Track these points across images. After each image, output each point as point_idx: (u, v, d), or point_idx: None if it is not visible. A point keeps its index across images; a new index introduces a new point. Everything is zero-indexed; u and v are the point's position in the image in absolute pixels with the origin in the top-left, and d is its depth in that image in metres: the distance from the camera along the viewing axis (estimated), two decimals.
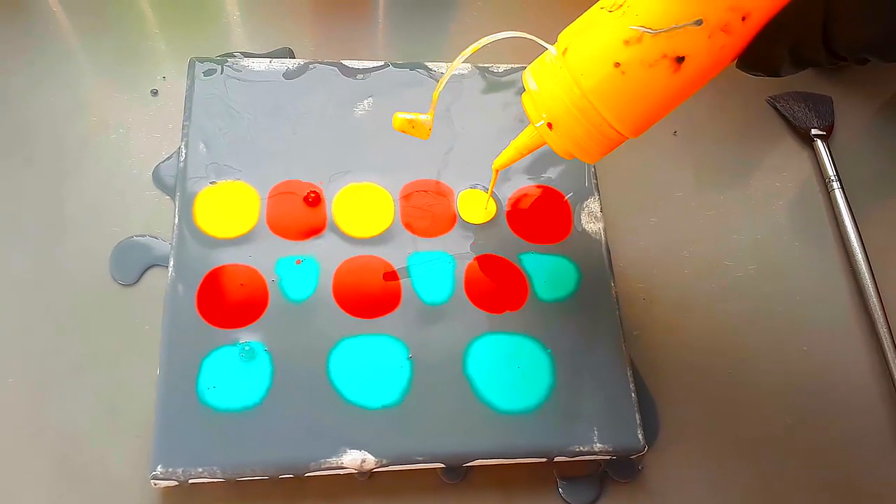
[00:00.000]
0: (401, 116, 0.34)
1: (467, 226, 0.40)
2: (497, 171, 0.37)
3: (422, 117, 0.34)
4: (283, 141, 0.41)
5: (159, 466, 0.32)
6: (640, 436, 0.35)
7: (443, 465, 0.35)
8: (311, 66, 0.43)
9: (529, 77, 0.31)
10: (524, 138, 0.34)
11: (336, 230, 0.38)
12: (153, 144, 0.42)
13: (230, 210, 0.38)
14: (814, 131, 0.47)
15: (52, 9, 0.46)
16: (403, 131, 0.34)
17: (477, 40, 0.48)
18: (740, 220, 0.45)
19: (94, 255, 0.38)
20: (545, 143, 0.33)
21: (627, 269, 0.41)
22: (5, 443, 0.34)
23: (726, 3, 0.26)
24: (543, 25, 0.49)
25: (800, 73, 0.50)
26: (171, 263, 0.36)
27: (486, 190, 0.41)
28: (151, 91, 0.43)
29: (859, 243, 0.43)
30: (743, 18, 0.27)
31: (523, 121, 0.43)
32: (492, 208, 0.40)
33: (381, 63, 0.44)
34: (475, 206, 0.40)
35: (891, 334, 0.40)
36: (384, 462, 0.33)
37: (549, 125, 0.31)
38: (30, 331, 0.36)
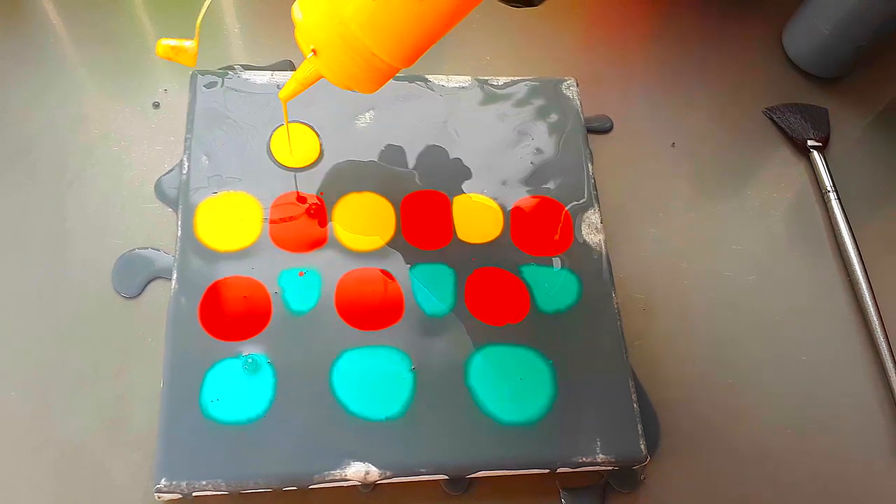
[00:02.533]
0: (164, 42, 0.34)
1: (469, 237, 0.40)
2: (284, 101, 0.36)
3: (186, 44, 0.34)
4: (286, 154, 0.41)
5: (163, 479, 0.32)
6: (642, 446, 0.36)
7: (446, 477, 0.35)
8: None
9: (297, 8, 0.31)
10: (302, 70, 0.34)
11: (338, 243, 0.38)
12: (155, 157, 0.42)
13: (233, 222, 0.38)
14: (810, 142, 0.48)
15: (52, 22, 0.46)
16: (167, 58, 0.34)
17: (475, 53, 0.49)
18: (738, 231, 0.45)
19: (97, 267, 0.38)
20: (322, 76, 0.33)
21: (627, 279, 0.42)
22: (8, 456, 0.34)
23: None
24: (542, 38, 0.50)
25: (792, 83, 0.51)
26: (174, 276, 0.36)
27: (482, 193, 0.41)
28: (153, 103, 0.44)
29: (856, 252, 0.44)
30: None
31: (522, 131, 0.44)
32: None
33: None
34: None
35: (888, 343, 0.41)
36: (388, 474, 0.33)
37: (314, 51, 0.31)
38: (32, 344, 0.36)
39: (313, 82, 0.34)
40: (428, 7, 0.29)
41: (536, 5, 0.29)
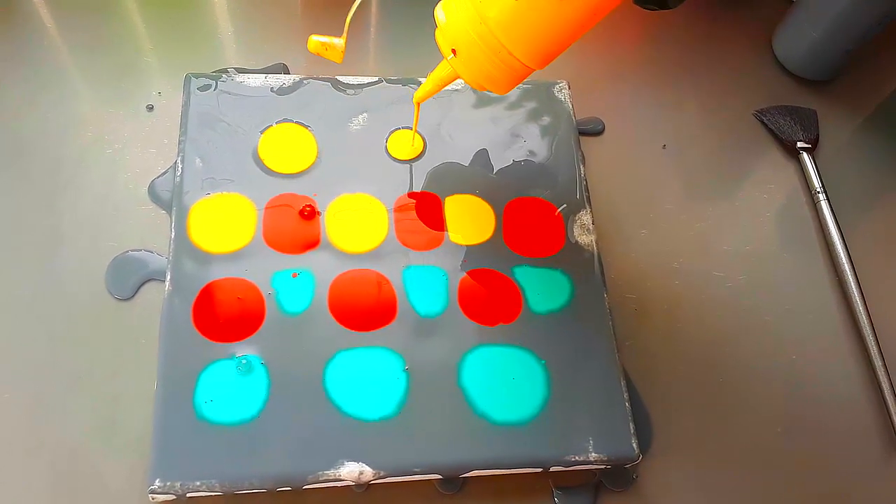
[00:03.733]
0: (315, 39, 0.36)
1: (461, 239, 0.40)
2: (418, 104, 0.39)
3: (335, 41, 0.36)
4: (280, 156, 0.41)
5: (157, 480, 0.32)
6: (634, 445, 0.36)
7: (440, 477, 0.35)
8: (305, 81, 0.44)
9: (440, 11, 0.33)
10: (438, 71, 0.36)
11: (331, 244, 0.39)
12: (149, 159, 0.42)
13: (226, 224, 0.38)
14: (799, 144, 0.48)
15: (46, 25, 0.46)
16: (318, 53, 0.36)
17: None
18: (729, 232, 0.45)
19: (91, 269, 0.38)
20: (458, 76, 0.35)
21: (619, 280, 0.42)
22: (2, 458, 0.34)
23: None
24: None
25: (782, 85, 0.52)
26: (168, 277, 0.37)
27: (475, 195, 0.42)
28: (147, 106, 0.44)
29: (845, 253, 0.44)
30: None
31: (514, 133, 0.44)
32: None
33: (375, 79, 0.44)
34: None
35: (877, 341, 0.41)
36: (382, 474, 0.34)
37: (454, 51, 0.33)
38: (26, 346, 0.36)
39: (449, 83, 0.36)
40: (568, 8, 0.30)
41: (672, 8, 0.30)
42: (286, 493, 0.34)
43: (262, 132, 0.41)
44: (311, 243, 0.39)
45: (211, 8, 0.49)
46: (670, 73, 0.51)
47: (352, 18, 0.35)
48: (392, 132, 0.43)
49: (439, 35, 0.34)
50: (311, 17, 0.49)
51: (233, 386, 0.34)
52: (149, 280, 0.39)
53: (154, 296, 0.38)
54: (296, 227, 0.39)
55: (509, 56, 0.32)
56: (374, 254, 0.39)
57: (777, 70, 0.52)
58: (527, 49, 0.32)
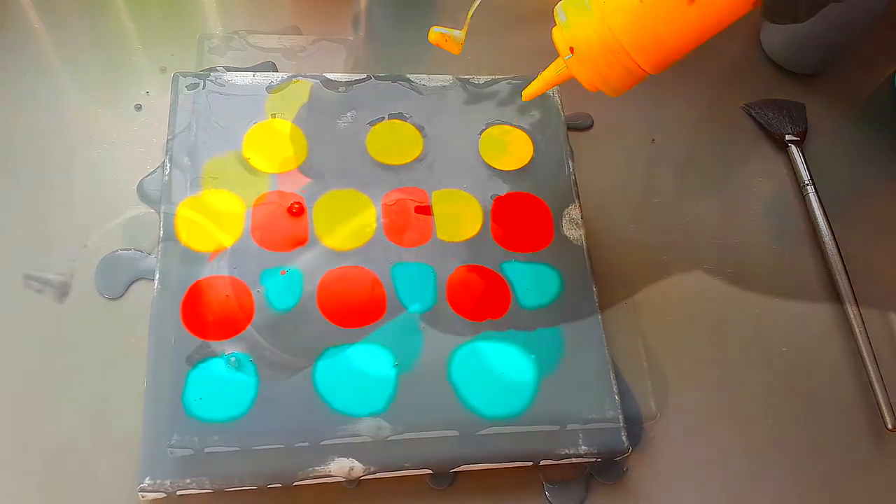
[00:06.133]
0: (436, 30, 0.36)
1: (449, 234, 0.40)
2: (527, 100, 0.38)
3: (455, 33, 0.36)
4: (267, 153, 0.41)
5: (147, 479, 0.32)
6: (624, 438, 0.36)
7: (430, 472, 0.35)
8: (293, 79, 0.44)
9: (560, 10, 0.33)
10: (551, 70, 0.36)
11: (319, 242, 0.39)
12: (137, 159, 0.42)
13: (215, 222, 0.38)
14: (788, 137, 0.49)
15: (34, 26, 0.46)
16: (437, 44, 0.36)
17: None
18: (718, 225, 0.45)
19: (80, 269, 0.38)
20: (571, 76, 0.34)
21: (608, 274, 0.42)
22: None
23: None
24: (521, 36, 0.50)
25: (771, 79, 0.52)
26: (157, 276, 0.37)
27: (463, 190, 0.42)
28: (135, 106, 0.44)
29: (834, 245, 0.44)
30: None
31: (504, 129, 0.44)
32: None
33: (364, 75, 0.44)
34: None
35: (866, 332, 0.41)
36: (372, 469, 0.34)
37: (571, 49, 0.32)
38: (16, 346, 0.36)
39: (561, 82, 0.36)
40: (695, 13, 0.29)
41: (802, 21, 0.30)
42: (277, 489, 0.34)
43: (249, 130, 0.41)
44: (300, 240, 0.39)
45: (199, 6, 0.49)
46: None
47: (472, 14, 0.35)
48: (370, 128, 0.43)
49: (557, 34, 0.33)
50: (301, 15, 0.49)
51: (222, 383, 0.34)
52: (138, 279, 0.38)
53: (143, 295, 0.38)
54: (284, 224, 0.39)
55: (628, 59, 0.31)
56: (363, 250, 0.39)
57: (765, 63, 0.52)
58: (647, 53, 0.31)
